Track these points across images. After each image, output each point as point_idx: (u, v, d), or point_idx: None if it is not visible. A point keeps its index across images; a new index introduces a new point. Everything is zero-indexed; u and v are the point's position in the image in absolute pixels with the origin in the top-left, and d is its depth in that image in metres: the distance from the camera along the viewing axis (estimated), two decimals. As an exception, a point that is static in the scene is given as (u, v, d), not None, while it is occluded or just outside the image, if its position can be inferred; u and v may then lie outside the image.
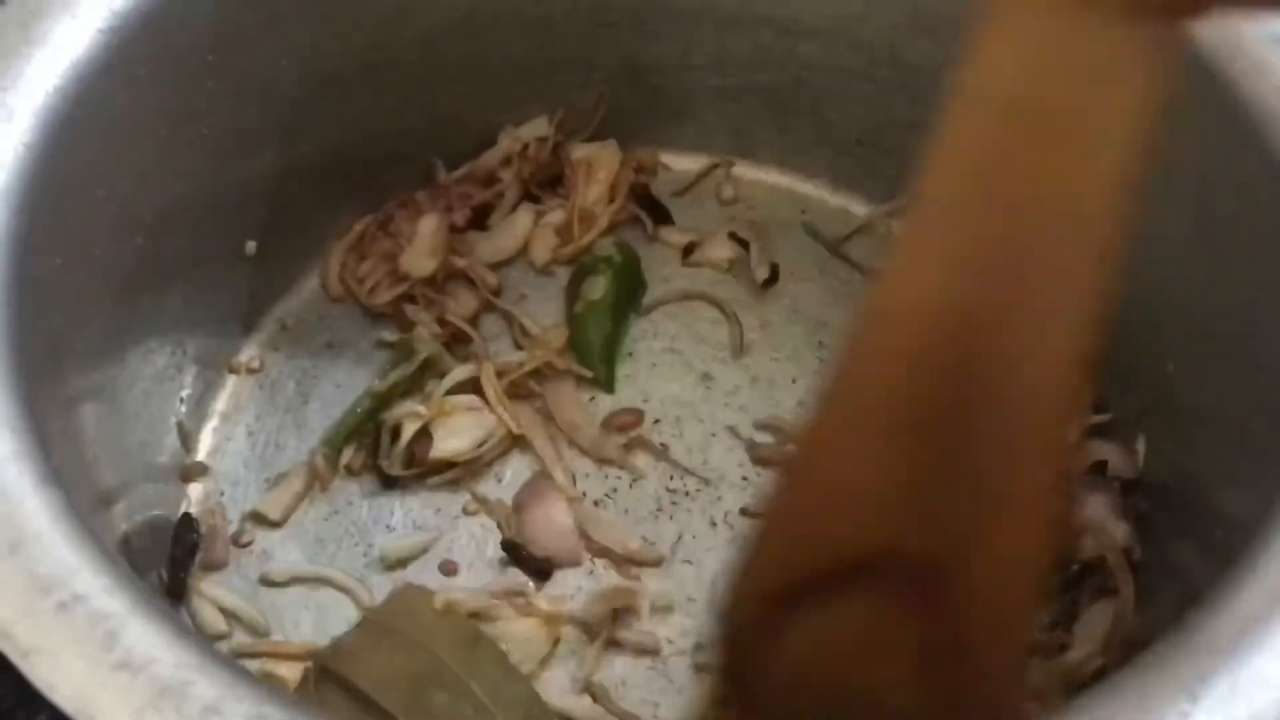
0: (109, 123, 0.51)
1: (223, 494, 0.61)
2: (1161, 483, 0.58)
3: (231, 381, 0.64)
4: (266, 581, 0.59)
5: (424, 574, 0.59)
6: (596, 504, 0.62)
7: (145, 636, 0.38)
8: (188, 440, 0.61)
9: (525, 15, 0.65)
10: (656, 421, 0.64)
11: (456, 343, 0.65)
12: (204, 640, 0.38)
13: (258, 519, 0.60)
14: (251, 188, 0.61)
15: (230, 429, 0.63)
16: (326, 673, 0.53)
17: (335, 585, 0.59)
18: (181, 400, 0.61)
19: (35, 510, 0.40)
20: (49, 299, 0.48)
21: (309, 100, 0.61)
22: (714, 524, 0.61)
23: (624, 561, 0.60)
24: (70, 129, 0.49)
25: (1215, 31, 0.51)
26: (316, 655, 0.54)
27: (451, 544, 0.60)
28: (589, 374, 0.64)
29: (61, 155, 0.49)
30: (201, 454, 0.62)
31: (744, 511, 0.61)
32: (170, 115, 0.55)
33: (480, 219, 0.68)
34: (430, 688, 0.52)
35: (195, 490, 0.61)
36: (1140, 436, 0.60)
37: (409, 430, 0.60)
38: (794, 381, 0.65)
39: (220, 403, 0.63)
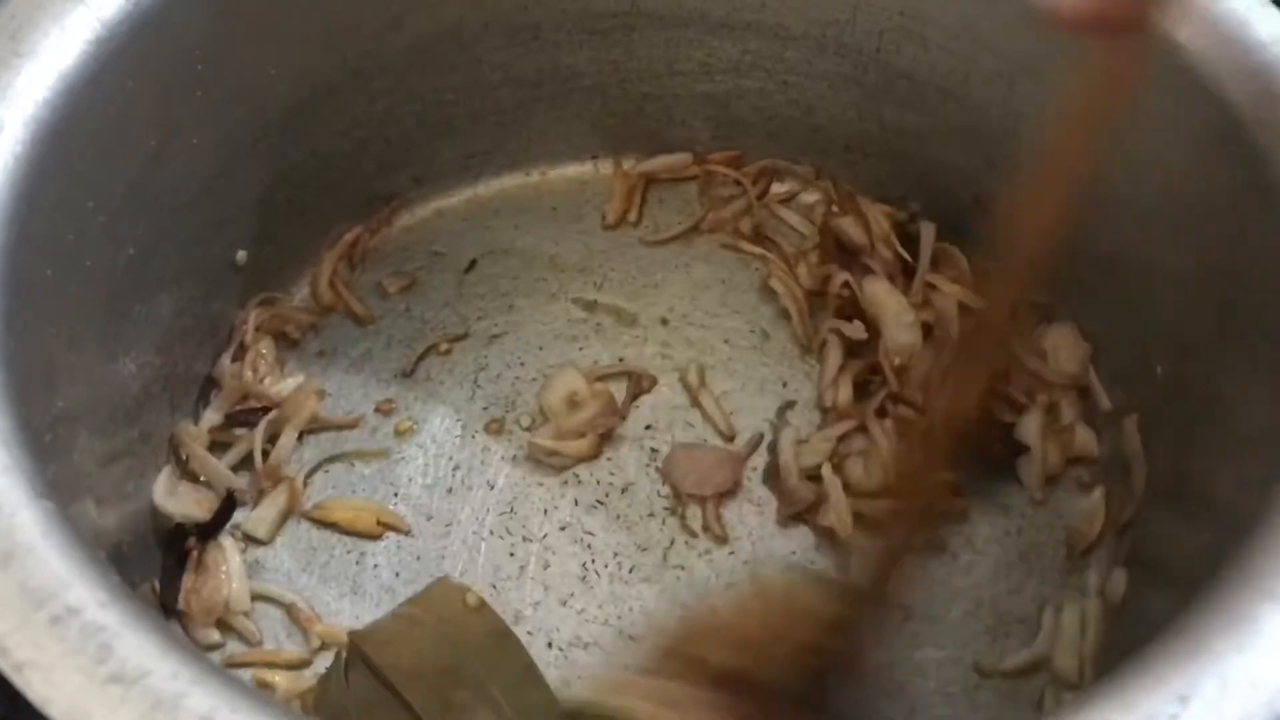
0: (98, 134, 0.51)
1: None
2: (1151, 486, 0.58)
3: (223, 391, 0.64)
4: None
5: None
6: (589, 510, 0.62)
7: (139, 649, 0.38)
8: (180, 450, 0.61)
9: (514, 24, 0.65)
10: (648, 427, 0.64)
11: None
12: (198, 652, 0.38)
13: (247, 538, 0.60)
14: (242, 197, 0.61)
15: (221, 437, 0.63)
16: (358, 654, 0.53)
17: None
18: (173, 410, 0.61)
19: (28, 523, 0.40)
20: (40, 311, 0.48)
21: (298, 109, 0.61)
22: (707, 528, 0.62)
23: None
24: (60, 140, 0.49)
25: (1207, 42, 0.51)
26: (351, 636, 0.55)
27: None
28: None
29: (51, 167, 0.49)
30: (194, 463, 0.62)
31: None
32: (160, 126, 0.55)
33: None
34: (452, 685, 0.53)
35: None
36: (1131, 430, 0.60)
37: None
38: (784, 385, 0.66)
39: (212, 412, 0.63)
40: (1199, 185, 0.53)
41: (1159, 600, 0.53)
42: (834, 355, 0.65)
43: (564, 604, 0.59)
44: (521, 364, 0.66)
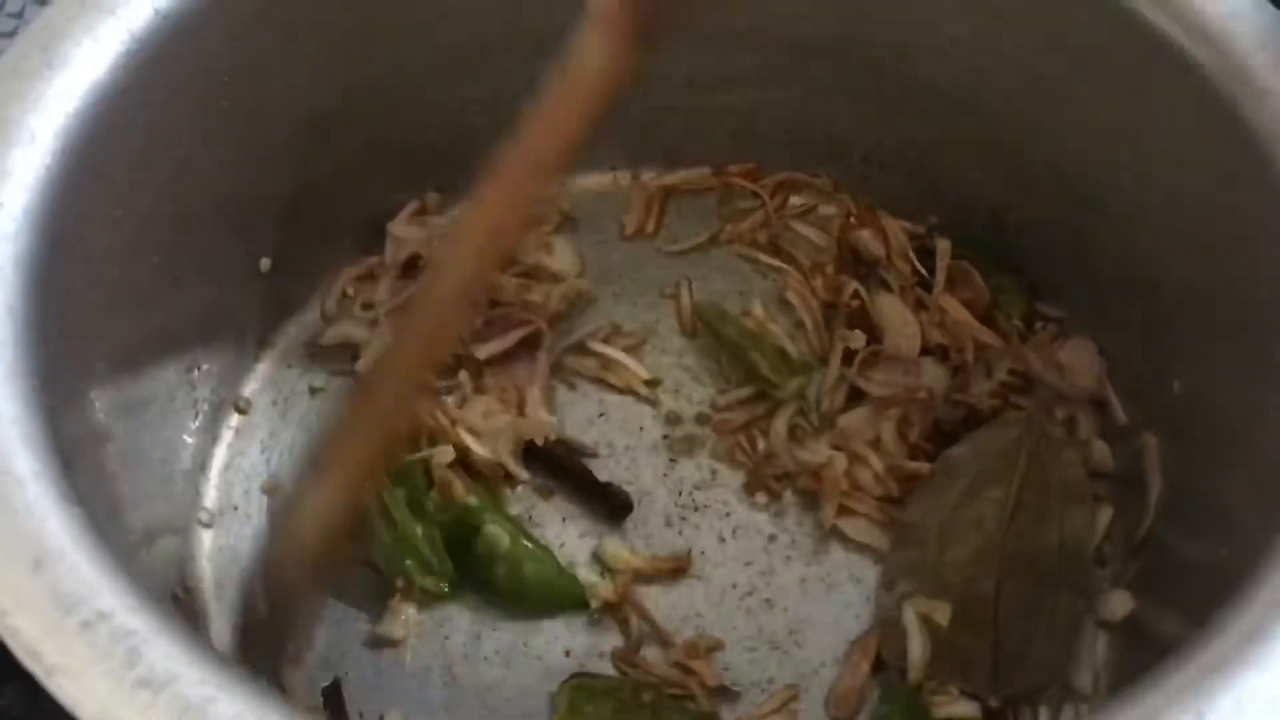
0: (128, 143, 0.52)
1: (235, 509, 0.62)
2: (1165, 499, 0.58)
3: (246, 397, 0.65)
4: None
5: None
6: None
7: (168, 655, 0.38)
8: (202, 456, 0.62)
9: (537, 35, 0.64)
10: (665, 437, 0.65)
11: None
12: (225, 658, 0.39)
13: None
14: (266, 205, 0.62)
15: (244, 445, 0.64)
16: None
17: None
18: (197, 416, 0.61)
19: (58, 528, 0.40)
20: (70, 318, 0.48)
21: (322, 118, 0.62)
22: (723, 539, 0.62)
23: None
24: (90, 150, 0.49)
25: (1223, 60, 0.51)
26: None
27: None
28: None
29: (82, 176, 0.49)
30: (215, 470, 0.63)
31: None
32: (187, 135, 0.55)
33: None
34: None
35: (209, 504, 0.62)
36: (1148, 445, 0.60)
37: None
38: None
39: (235, 419, 0.64)
40: (1217, 202, 0.54)
41: (1173, 618, 0.53)
42: (835, 363, 0.65)
43: (581, 612, 0.60)
44: (541, 375, 0.66)
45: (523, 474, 0.62)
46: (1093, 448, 0.62)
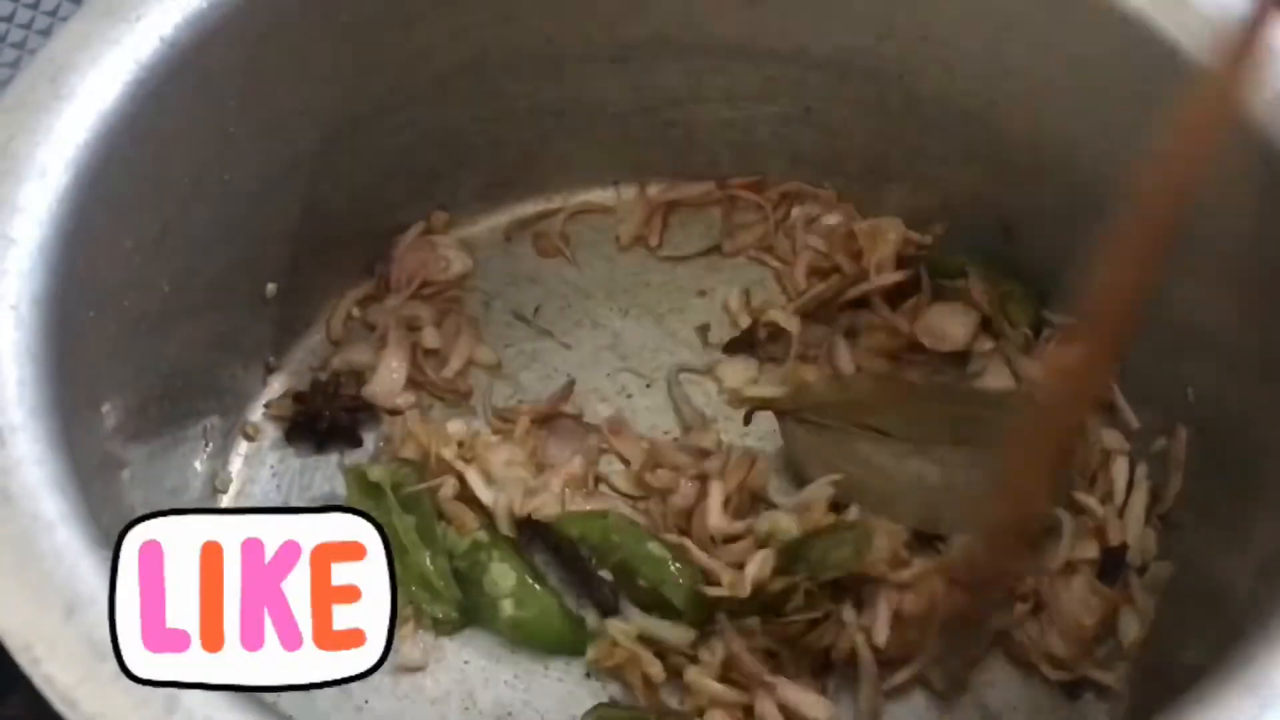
0: (136, 174, 0.51)
1: (248, 538, 0.61)
2: (1191, 504, 0.59)
3: (254, 423, 0.64)
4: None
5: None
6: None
7: (205, 700, 0.38)
8: (213, 484, 0.62)
9: (537, 54, 0.65)
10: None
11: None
12: (263, 703, 0.39)
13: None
14: (271, 231, 0.62)
15: (254, 471, 0.63)
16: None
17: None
18: (207, 444, 0.61)
19: (89, 572, 0.40)
20: (84, 353, 0.48)
21: (326, 142, 0.61)
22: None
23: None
24: (100, 182, 0.49)
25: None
26: None
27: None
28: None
29: (92, 209, 0.48)
30: (226, 499, 0.62)
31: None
32: (193, 162, 0.55)
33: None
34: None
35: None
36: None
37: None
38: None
39: (244, 445, 0.63)
40: (1228, 209, 0.54)
41: (1207, 626, 0.53)
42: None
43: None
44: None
45: (511, 534, 0.59)
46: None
